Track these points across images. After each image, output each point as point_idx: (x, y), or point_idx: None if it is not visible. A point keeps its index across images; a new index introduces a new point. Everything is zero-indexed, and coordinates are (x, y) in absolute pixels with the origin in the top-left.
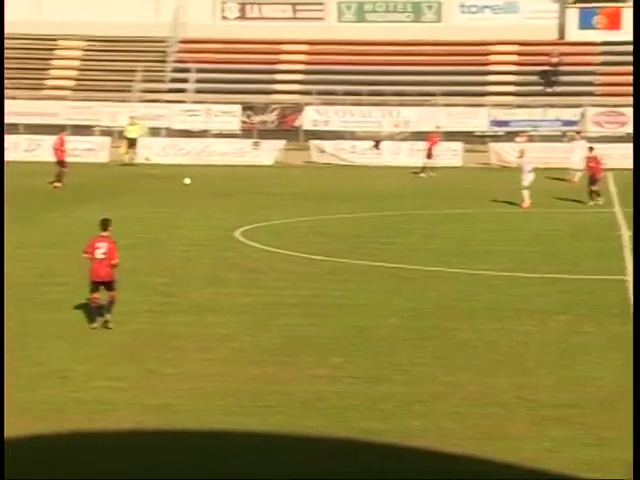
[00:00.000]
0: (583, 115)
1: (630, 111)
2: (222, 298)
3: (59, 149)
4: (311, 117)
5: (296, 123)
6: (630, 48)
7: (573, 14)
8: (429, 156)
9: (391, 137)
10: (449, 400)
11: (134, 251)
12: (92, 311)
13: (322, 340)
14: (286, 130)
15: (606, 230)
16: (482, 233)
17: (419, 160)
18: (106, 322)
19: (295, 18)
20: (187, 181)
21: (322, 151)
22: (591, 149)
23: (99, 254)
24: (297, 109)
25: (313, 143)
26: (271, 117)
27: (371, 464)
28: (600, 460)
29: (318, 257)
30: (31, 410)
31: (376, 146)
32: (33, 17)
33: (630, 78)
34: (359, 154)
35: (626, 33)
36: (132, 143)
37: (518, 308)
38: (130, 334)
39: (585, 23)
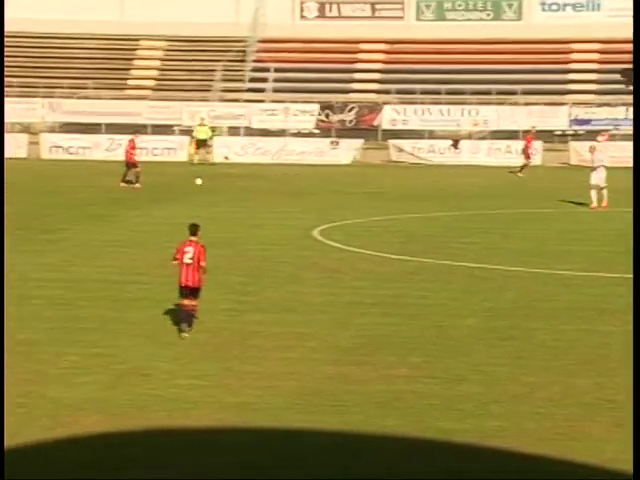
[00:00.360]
0: None
1: None
2: (300, 297)
3: (129, 151)
4: (389, 116)
5: (374, 122)
6: None
7: None
8: (527, 156)
9: (470, 136)
10: (528, 400)
11: (212, 250)
12: (182, 317)
13: (400, 340)
14: (364, 129)
15: None
16: (560, 233)
17: (498, 159)
18: (181, 332)
19: (374, 17)
20: (199, 181)
21: (400, 150)
22: None
23: (187, 259)
24: (375, 108)
25: (391, 142)
26: (349, 116)
27: (448, 464)
28: None
29: (397, 257)
30: (113, 407)
31: (455, 145)
32: (116, 18)
33: None
34: (437, 153)
35: None
36: (202, 144)
37: (599, 308)
38: (209, 332)
39: None
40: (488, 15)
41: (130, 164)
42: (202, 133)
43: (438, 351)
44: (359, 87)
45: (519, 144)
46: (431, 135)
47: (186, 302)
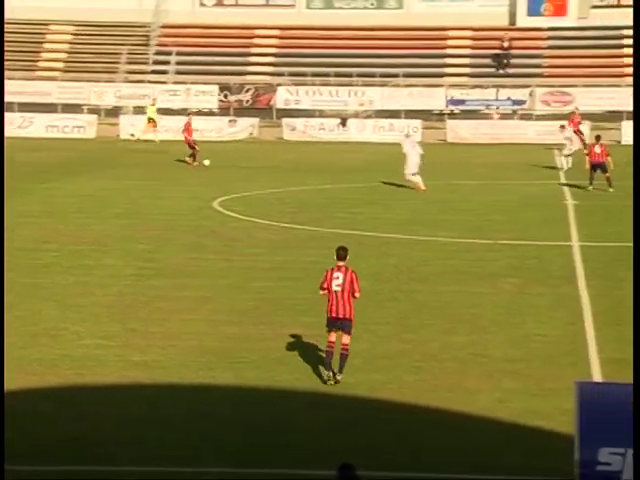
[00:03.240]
0: (532, 95)
1: (575, 91)
2: (201, 263)
3: (185, 131)
4: (283, 97)
5: (269, 102)
6: (575, 33)
7: (522, 2)
8: (582, 140)
9: (356, 115)
10: (410, 356)
11: (119, 220)
12: (327, 356)
13: (294, 302)
14: (260, 109)
15: (553, 200)
16: (438, 203)
17: (382, 136)
18: (335, 377)
19: (268, 5)
20: (207, 162)
21: (293, 128)
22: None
23: (335, 286)
24: (270, 89)
25: (285, 121)
26: (246, 97)
27: (340, 414)
28: (545, 409)
29: (291, 225)
30: (26, 366)
31: (343, 123)
32: (27, 3)
33: (575, 60)
34: (327, 131)
35: (571, 19)
36: (152, 122)
37: (472, 272)
38: (115, 296)
39: (533, 10)
40: (372, 4)
41: (190, 144)
42: (153, 112)
43: None
44: (255, 70)
45: (401, 122)
46: (321, 114)
47: (333, 338)
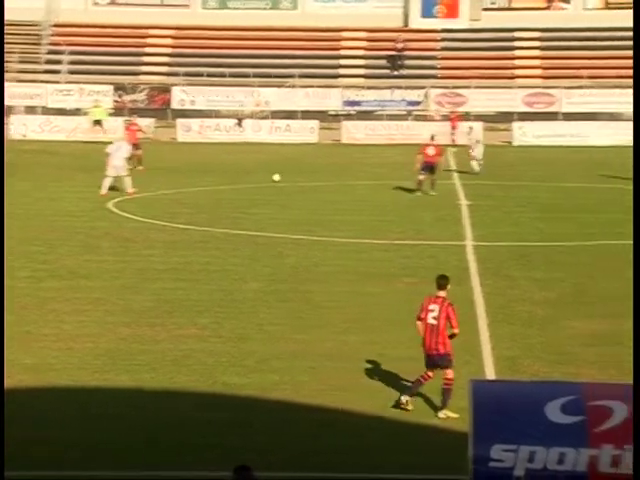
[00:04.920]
0: (426, 96)
1: (468, 92)
2: (95, 264)
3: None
4: (178, 97)
5: (165, 103)
6: (467, 35)
7: (416, 3)
8: (453, 140)
9: (252, 115)
10: (304, 356)
11: (12, 222)
12: (414, 384)
13: (190, 303)
14: (156, 109)
15: (447, 200)
16: (335, 203)
17: (279, 137)
18: (443, 410)
19: (162, 5)
20: (277, 177)
21: (188, 129)
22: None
23: (430, 318)
24: (165, 89)
25: (180, 121)
26: (141, 97)
27: (234, 415)
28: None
29: (186, 226)
30: None
31: (239, 124)
32: None
33: (468, 62)
34: (223, 131)
35: (463, 21)
36: (97, 124)
37: (367, 272)
38: (9, 299)
39: (427, 12)
40: (267, 5)
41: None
42: (98, 114)
43: (224, 313)
44: (149, 70)
45: (297, 123)
46: (217, 114)
47: (431, 374)
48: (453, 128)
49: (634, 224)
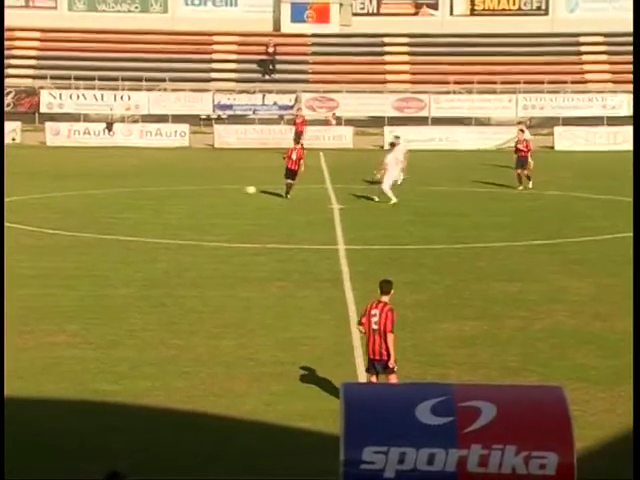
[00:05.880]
0: (298, 100)
1: (339, 96)
2: None
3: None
4: (46, 100)
5: (32, 106)
6: (338, 40)
7: (286, 8)
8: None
9: (123, 120)
10: (177, 362)
11: None
12: None
13: (59, 309)
14: (23, 113)
15: (319, 204)
16: (207, 208)
17: (149, 141)
18: None
19: (28, 6)
20: (251, 190)
21: (57, 133)
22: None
23: (373, 324)
24: (32, 92)
25: (48, 125)
26: (7, 100)
27: (104, 422)
28: (312, 410)
29: (55, 231)
30: None
31: (109, 128)
32: None
33: (338, 67)
34: (93, 135)
35: (334, 26)
36: None
37: (240, 276)
38: None
39: (297, 17)
40: (136, 8)
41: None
42: None
43: (95, 319)
44: (16, 72)
45: (168, 127)
46: (86, 118)
47: (375, 379)
48: (300, 133)
49: (634, 224)
